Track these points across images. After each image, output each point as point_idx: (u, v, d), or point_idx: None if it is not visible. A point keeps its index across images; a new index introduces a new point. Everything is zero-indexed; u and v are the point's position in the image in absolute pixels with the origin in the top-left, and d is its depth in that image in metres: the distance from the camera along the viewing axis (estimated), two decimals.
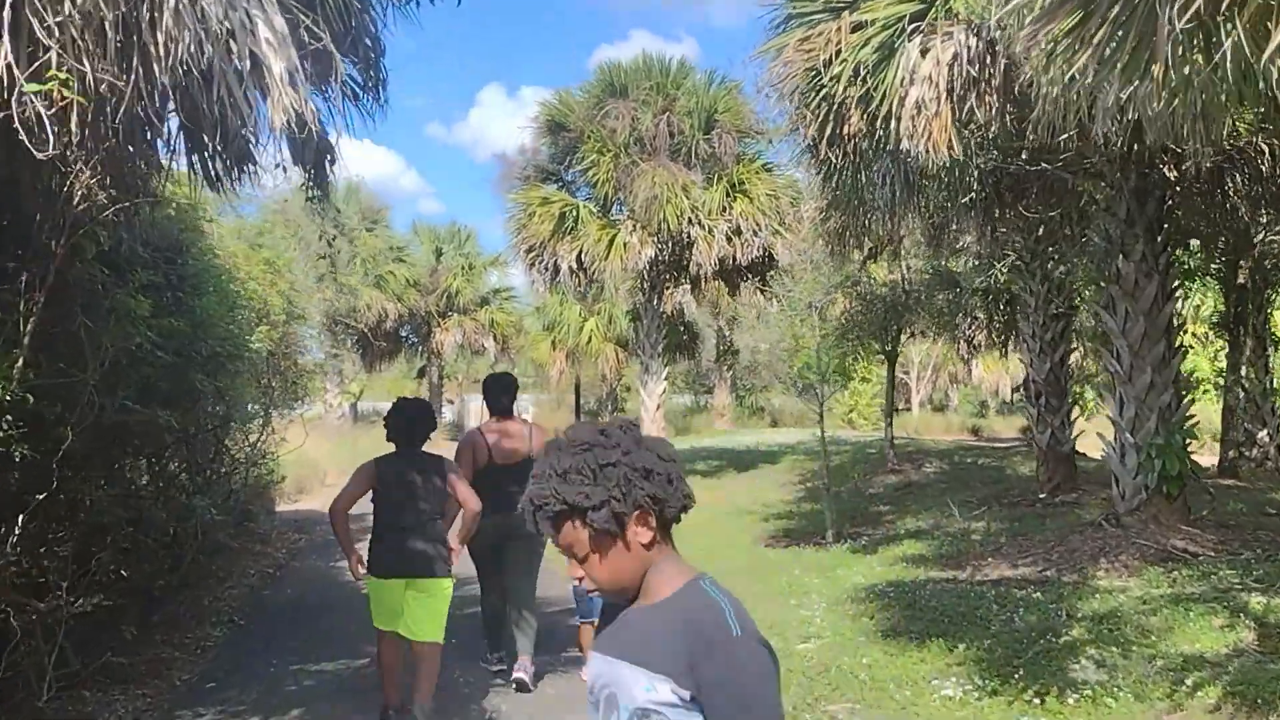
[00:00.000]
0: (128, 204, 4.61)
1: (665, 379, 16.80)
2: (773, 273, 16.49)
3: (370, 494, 5.19)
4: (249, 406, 9.90)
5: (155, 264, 5.88)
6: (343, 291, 24.52)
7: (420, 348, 34.15)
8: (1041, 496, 11.57)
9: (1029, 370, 12.09)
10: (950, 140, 6.91)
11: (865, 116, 7.32)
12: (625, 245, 15.16)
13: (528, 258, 16.26)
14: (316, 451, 19.56)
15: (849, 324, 15.78)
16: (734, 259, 15.40)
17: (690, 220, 15.18)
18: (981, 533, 9.99)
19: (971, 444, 22.88)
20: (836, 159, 7.90)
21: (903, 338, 17.35)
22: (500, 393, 6.12)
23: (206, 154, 4.89)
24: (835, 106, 7.48)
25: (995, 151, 8.66)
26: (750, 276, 16.93)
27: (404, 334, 33.27)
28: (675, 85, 15.99)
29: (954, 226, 12.57)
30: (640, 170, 15.20)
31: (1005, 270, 17.26)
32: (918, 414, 40.81)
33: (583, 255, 15.42)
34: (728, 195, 15.51)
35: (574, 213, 15.78)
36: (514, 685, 5.78)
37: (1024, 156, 8.92)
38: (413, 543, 4.97)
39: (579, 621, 5.98)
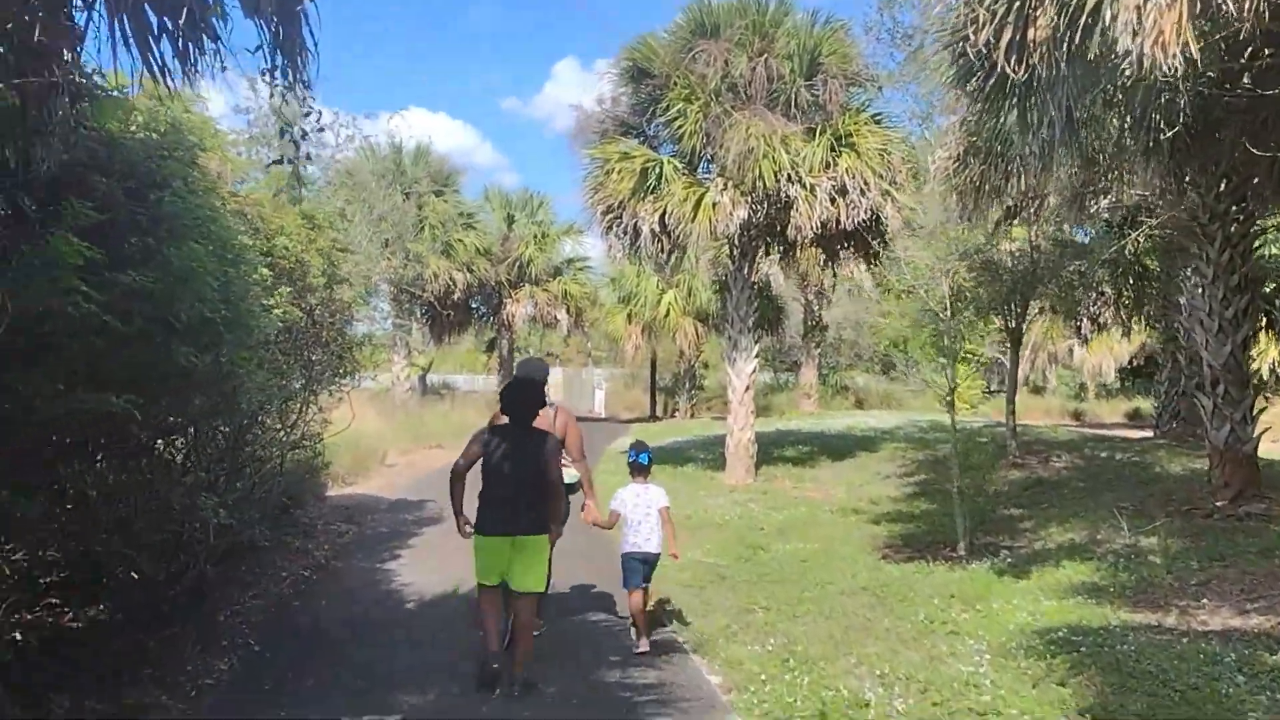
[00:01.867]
0: (31, 81, 3.07)
1: (756, 356, 15.01)
2: (878, 240, 14.57)
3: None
4: (285, 384, 8.45)
5: (111, 196, 4.36)
6: (409, 259, 23.12)
7: (490, 319, 32.80)
8: (1219, 505, 9.59)
9: (1204, 354, 10.04)
10: (1186, 41, 5.06)
11: (1063, 12, 5.48)
12: (714, 206, 13.40)
13: (604, 220, 14.62)
14: (376, 429, 18.31)
15: (969, 296, 13.81)
16: (837, 222, 13.53)
17: (789, 178, 13.35)
18: (1160, 553, 8.11)
19: (1096, 434, 20.66)
20: (1014, 72, 6.04)
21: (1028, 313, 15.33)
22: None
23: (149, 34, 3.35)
24: (1020, 2, 5.65)
25: (1213, 72, 6.73)
26: (852, 243, 15.04)
27: (474, 305, 31.91)
28: (774, 24, 14.09)
29: (1111, 176, 10.60)
30: (733, 121, 13.40)
31: (1146, 239, 15.17)
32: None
33: (666, 217, 13.70)
34: (832, 150, 13.62)
35: (657, 169, 14.06)
36: None
37: (1246, 80, 6.97)
38: (515, 505, 5.56)
39: (628, 590, 6.51)
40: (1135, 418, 38.29)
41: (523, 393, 5.81)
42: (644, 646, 6.24)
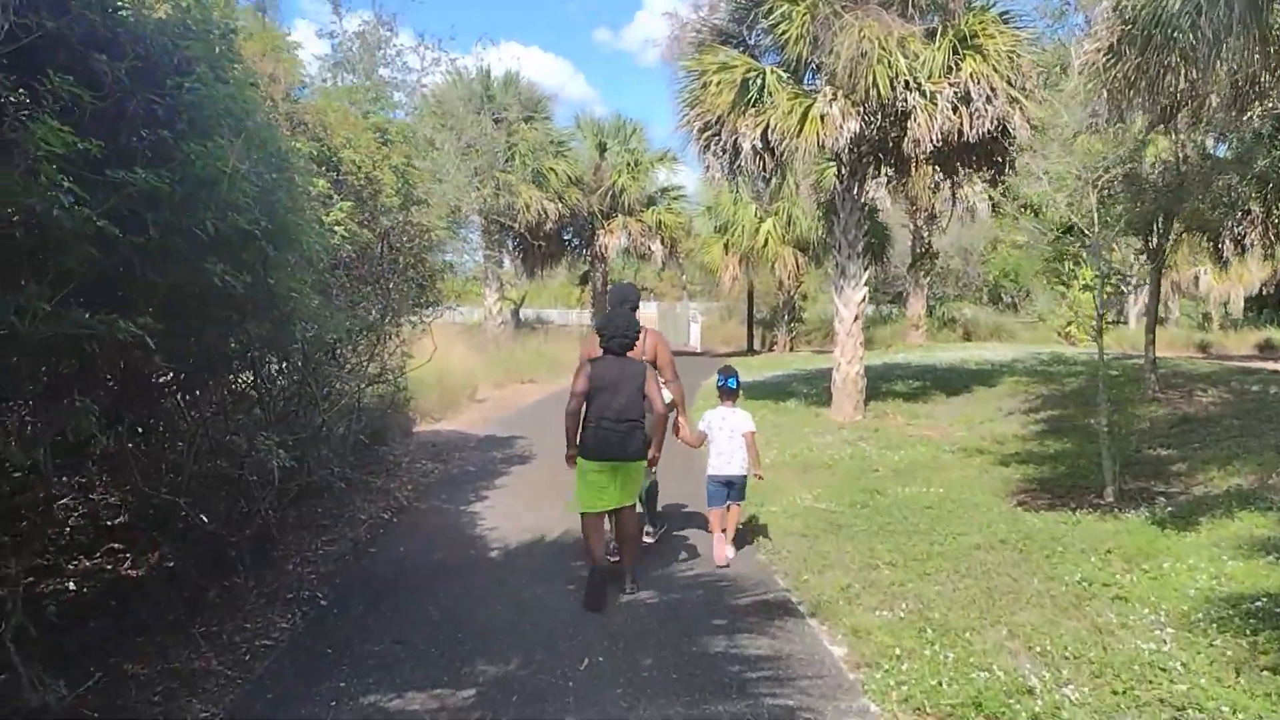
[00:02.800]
0: None
1: (865, 285, 13.88)
2: (1004, 154, 13.20)
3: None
4: (357, 313, 7.79)
5: (115, 80, 3.61)
6: (499, 188, 22.34)
7: (584, 251, 32.03)
8: None
9: None
10: None
11: None
12: (822, 118, 12.22)
13: (701, 139, 13.57)
14: (465, 364, 17.80)
15: (1111, 214, 12.42)
16: (959, 134, 12.23)
17: (907, 85, 12.07)
18: None
19: (1238, 366, 18.94)
20: None
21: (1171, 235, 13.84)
22: (621, 300, 6.57)
23: None
24: None
25: None
26: (974, 158, 13.69)
27: (566, 237, 31.15)
28: None
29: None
30: (843, 22, 12.14)
31: None
32: (1134, 327, 36.12)
33: (769, 132, 12.58)
34: (954, 53, 12.26)
35: (759, 80, 12.91)
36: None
37: None
38: (616, 431, 5.80)
39: (710, 509, 6.85)
40: (1268, 349, 35.74)
41: (616, 323, 6.03)
42: (723, 559, 6.61)
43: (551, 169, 26.81)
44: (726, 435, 6.74)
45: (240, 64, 4.80)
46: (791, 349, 31.93)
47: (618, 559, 6.21)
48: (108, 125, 3.61)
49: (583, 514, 5.95)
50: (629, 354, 6.00)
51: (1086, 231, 10.39)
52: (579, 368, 6.00)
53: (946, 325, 35.31)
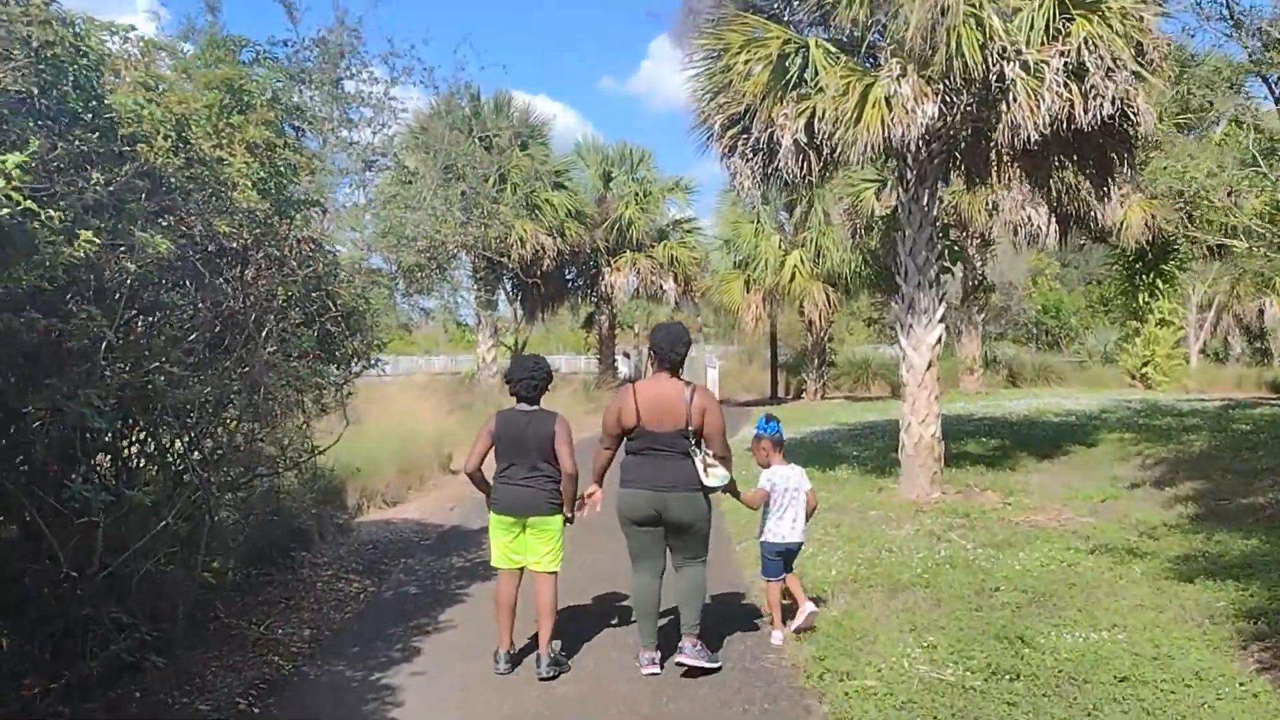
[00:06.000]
0: None
1: (941, 321, 10.72)
2: (1124, 144, 10.11)
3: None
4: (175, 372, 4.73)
5: None
6: (486, 217, 19.30)
7: (588, 292, 28.96)
8: None
9: None
10: None
11: None
12: (888, 100, 9.17)
13: (726, 137, 10.53)
14: (440, 425, 14.71)
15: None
16: (1069, 120, 9.18)
17: (1002, 53, 9.04)
18: None
19: None
20: None
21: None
22: (671, 345, 5.43)
23: None
24: None
25: None
26: (1078, 153, 10.59)
27: (568, 275, 28.09)
28: None
29: None
30: None
31: None
32: (1196, 364, 32.80)
33: (816, 121, 9.54)
34: (1061, 10, 9.21)
35: (801, 56, 9.86)
36: (681, 671, 5.34)
37: None
38: (525, 486, 5.42)
39: (767, 581, 6.07)
40: None
41: (524, 364, 5.63)
42: (779, 639, 5.89)
43: (548, 200, 23.86)
44: (790, 495, 5.95)
45: None
46: (822, 396, 28.69)
47: (657, 668, 5.39)
48: None
49: (497, 571, 5.67)
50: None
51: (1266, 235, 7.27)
52: (484, 423, 5.65)
53: (988, 367, 32.04)
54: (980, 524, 9.13)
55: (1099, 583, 6.97)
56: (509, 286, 26.89)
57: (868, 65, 10.02)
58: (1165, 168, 11.68)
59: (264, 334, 5.53)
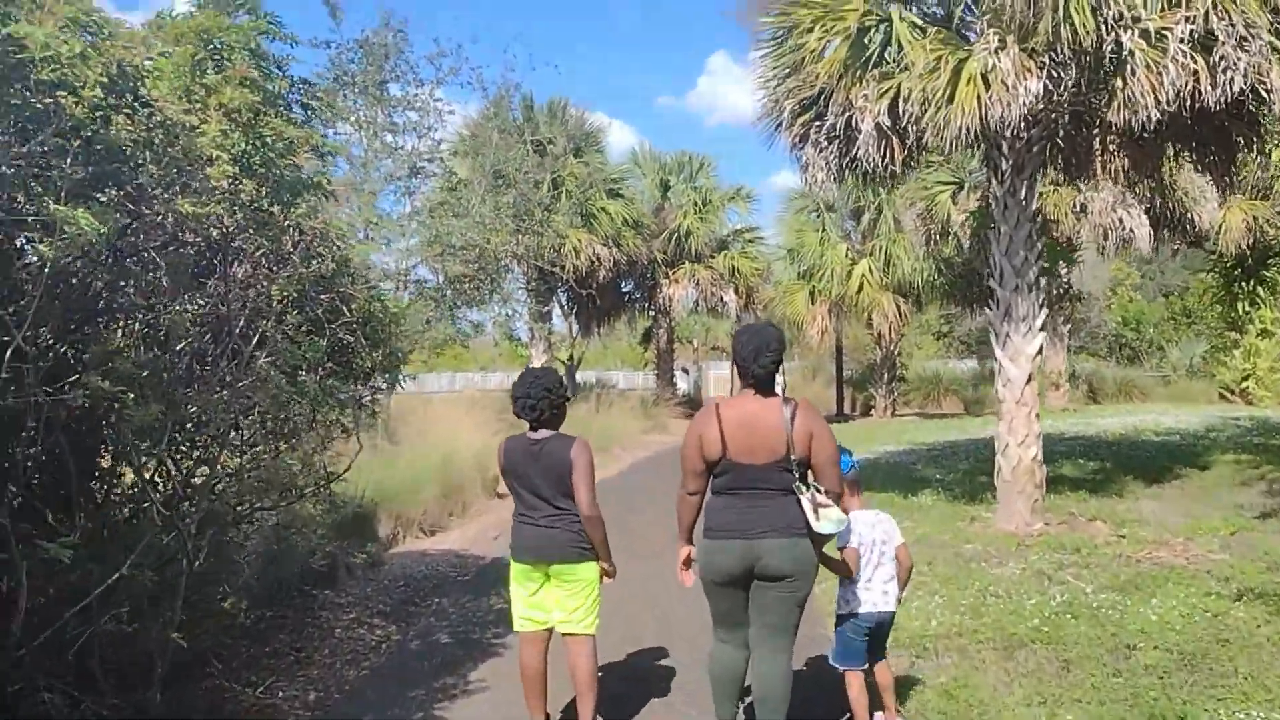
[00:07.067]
0: None
1: (1042, 330, 9.50)
2: (1252, 127, 8.85)
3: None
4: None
5: None
6: (538, 225, 18.42)
7: (646, 304, 27.96)
8: None
9: None
10: None
11: None
12: (985, 77, 8.06)
13: (796, 125, 9.48)
14: (485, 445, 13.76)
15: None
16: (1193, 98, 7.97)
17: (1119, 20, 7.87)
18: None
19: None
20: None
21: None
22: (755, 352, 4.11)
23: None
24: None
25: None
26: (1197, 138, 9.33)
27: (625, 288, 27.13)
28: None
29: None
30: None
31: None
32: None
33: (901, 103, 8.46)
34: None
35: (882, 29, 8.81)
36: None
37: None
38: (547, 527, 4.43)
39: (842, 669, 4.50)
40: None
41: (527, 380, 4.57)
42: None
43: (604, 209, 22.95)
44: (878, 551, 4.47)
45: None
46: (893, 414, 27.29)
47: None
48: None
49: (520, 636, 4.69)
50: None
51: None
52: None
53: (1068, 381, 30.34)
54: (1095, 561, 7.89)
55: (1258, 640, 5.73)
56: (564, 299, 26.06)
57: (959, 39, 8.88)
58: None
59: (254, 342, 4.61)
